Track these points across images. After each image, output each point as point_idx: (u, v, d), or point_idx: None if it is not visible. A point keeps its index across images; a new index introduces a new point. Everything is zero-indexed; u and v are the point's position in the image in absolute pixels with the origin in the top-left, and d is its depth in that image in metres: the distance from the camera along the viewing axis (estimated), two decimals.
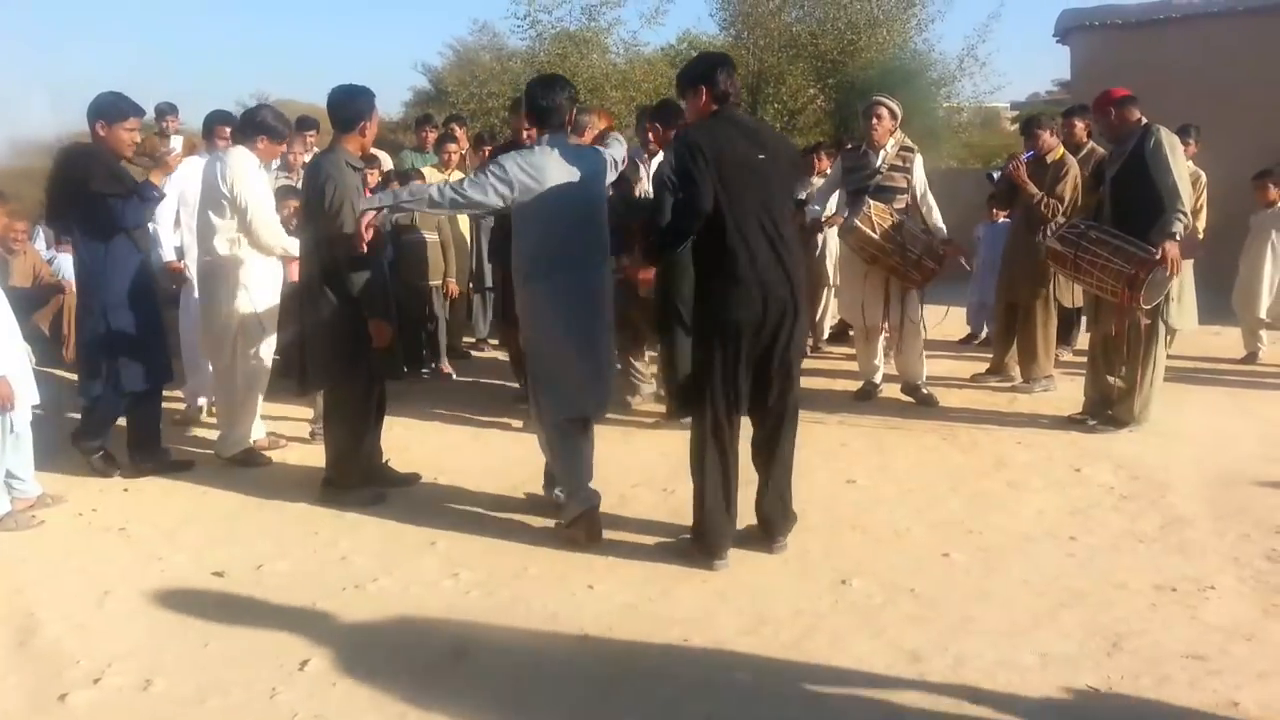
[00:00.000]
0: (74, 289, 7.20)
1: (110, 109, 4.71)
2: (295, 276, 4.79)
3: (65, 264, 7.68)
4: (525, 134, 5.30)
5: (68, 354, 6.77)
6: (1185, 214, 4.91)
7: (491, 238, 6.53)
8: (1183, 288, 5.41)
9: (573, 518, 4.04)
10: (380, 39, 64.39)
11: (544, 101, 4.05)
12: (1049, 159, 6.24)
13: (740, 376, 3.70)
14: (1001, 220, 7.55)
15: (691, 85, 3.81)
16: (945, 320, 7.49)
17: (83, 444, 4.95)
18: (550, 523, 4.21)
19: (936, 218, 6.00)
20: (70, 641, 3.25)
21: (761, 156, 3.68)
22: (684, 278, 4.87)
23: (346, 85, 4.50)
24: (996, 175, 6.46)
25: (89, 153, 4.75)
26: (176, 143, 4.98)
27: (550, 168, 3.92)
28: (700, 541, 3.81)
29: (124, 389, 4.80)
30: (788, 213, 3.87)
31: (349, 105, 4.47)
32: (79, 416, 5.11)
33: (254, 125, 5.08)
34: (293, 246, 4.93)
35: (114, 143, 4.74)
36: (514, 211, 3.99)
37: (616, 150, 4.37)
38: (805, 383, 6.59)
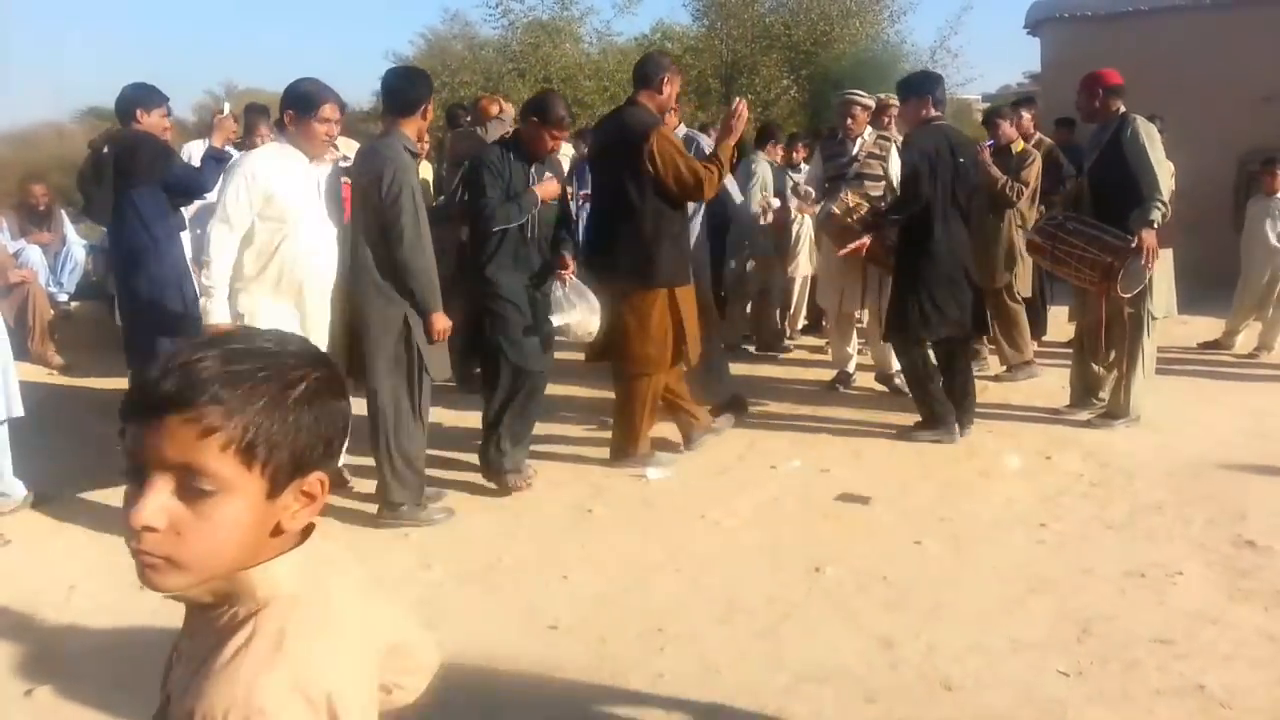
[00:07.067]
0: (38, 279, 7.12)
1: (146, 97, 4.90)
2: None
3: (33, 255, 7.54)
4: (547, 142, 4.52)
5: (32, 345, 6.64)
6: (1164, 203, 4.91)
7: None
8: (1162, 275, 5.43)
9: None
10: (350, 27, 63.87)
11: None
12: (1013, 149, 6.30)
13: (938, 309, 5.00)
14: None
15: (917, 94, 5.08)
16: None
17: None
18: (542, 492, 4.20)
19: None
20: (35, 637, 3.21)
21: (961, 160, 4.98)
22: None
23: (402, 67, 4.42)
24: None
25: (148, 137, 4.86)
26: (226, 107, 5.06)
27: None
28: (941, 423, 5.12)
29: None
30: (969, 199, 5.20)
31: (409, 89, 4.22)
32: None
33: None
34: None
35: (151, 128, 4.89)
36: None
37: None
38: (777, 373, 6.69)
